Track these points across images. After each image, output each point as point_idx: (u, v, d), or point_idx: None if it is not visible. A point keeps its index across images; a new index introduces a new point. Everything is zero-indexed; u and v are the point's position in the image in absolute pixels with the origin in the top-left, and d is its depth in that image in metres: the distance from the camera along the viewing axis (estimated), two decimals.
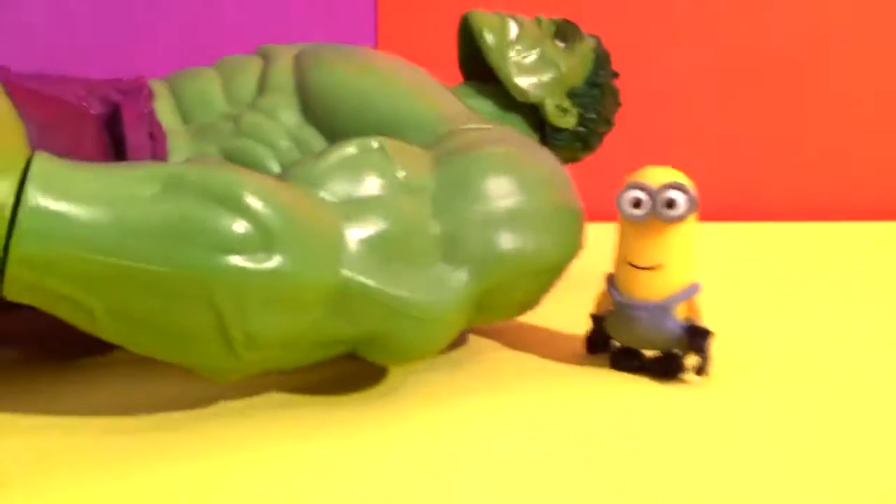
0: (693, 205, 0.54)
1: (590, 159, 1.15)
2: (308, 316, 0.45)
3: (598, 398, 0.52)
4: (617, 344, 0.60)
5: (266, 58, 0.63)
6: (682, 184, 0.54)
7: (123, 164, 0.43)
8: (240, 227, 0.42)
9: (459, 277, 0.50)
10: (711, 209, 1.17)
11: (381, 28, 1.22)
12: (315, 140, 0.57)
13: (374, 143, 0.50)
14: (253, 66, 0.62)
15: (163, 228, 0.41)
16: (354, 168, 0.49)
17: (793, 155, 1.21)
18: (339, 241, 0.46)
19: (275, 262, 0.42)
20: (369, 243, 0.47)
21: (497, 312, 0.54)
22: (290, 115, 0.58)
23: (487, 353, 0.60)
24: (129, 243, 0.40)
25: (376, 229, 0.47)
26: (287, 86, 0.59)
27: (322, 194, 0.47)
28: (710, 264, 0.85)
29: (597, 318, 0.60)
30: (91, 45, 1.21)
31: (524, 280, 0.52)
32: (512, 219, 0.51)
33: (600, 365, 0.58)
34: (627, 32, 1.19)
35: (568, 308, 0.71)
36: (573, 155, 0.74)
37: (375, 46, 1.24)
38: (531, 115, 0.71)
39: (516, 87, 0.69)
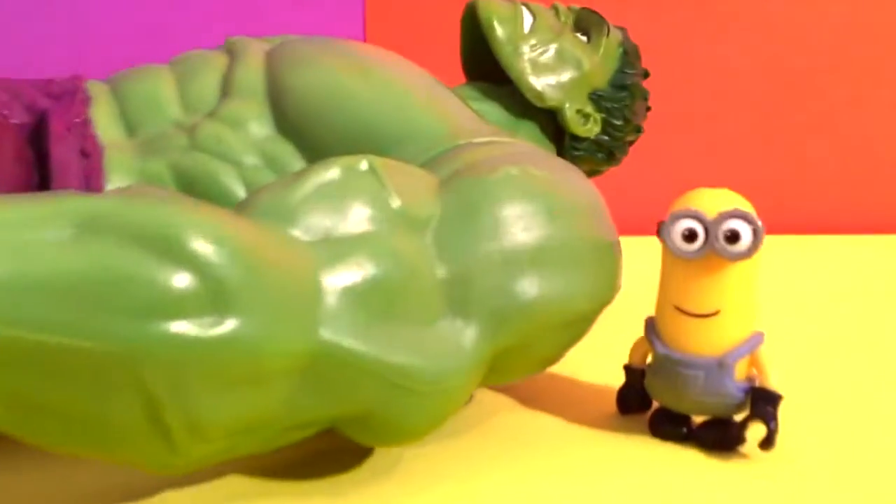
0: (760, 237, 0.43)
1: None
2: (273, 395, 0.34)
3: (634, 473, 0.42)
4: (657, 403, 0.49)
5: (233, 54, 0.52)
6: (745, 212, 0.43)
7: (29, 196, 0.32)
8: (181, 281, 0.31)
9: (471, 335, 0.39)
10: None
11: (369, 18, 1.11)
12: (290, 157, 0.46)
13: (363, 164, 0.39)
14: (216, 64, 0.51)
15: (74, 286, 0.30)
16: (337, 196, 0.38)
17: (826, 166, 1.11)
18: (316, 293, 0.35)
19: (229, 327, 0.32)
20: (356, 295, 0.36)
21: (514, 373, 0.44)
22: (259, 126, 0.47)
23: (501, 415, 0.50)
24: (27, 307, 0.29)
25: (365, 276, 0.36)
26: (257, 89, 0.48)
27: (294, 232, 0.36)
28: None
29: (633, 372, 0.49)
30: (22, 37, 1.06)
31: (550, 334, 0.42)
32: (536, 258, 0.40)
33: (637, 430, 0.48)
34: (658, 23, 1.08)
35: (597, 353, 0.60)
36: (595, 167, 0.64)
37: (364, 39, 1.12)
38: (547, 121, 0.61)
39: (531, 88, 0.58)
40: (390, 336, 0.37)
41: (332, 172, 0.38)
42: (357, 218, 0.38)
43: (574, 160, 0.62)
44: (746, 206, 0.44)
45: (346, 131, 0.46)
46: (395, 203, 0.39)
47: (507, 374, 0.43)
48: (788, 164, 1.11)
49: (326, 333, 0.35)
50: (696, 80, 1.09)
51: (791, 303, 0.70)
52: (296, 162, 0.46)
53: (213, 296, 0.31)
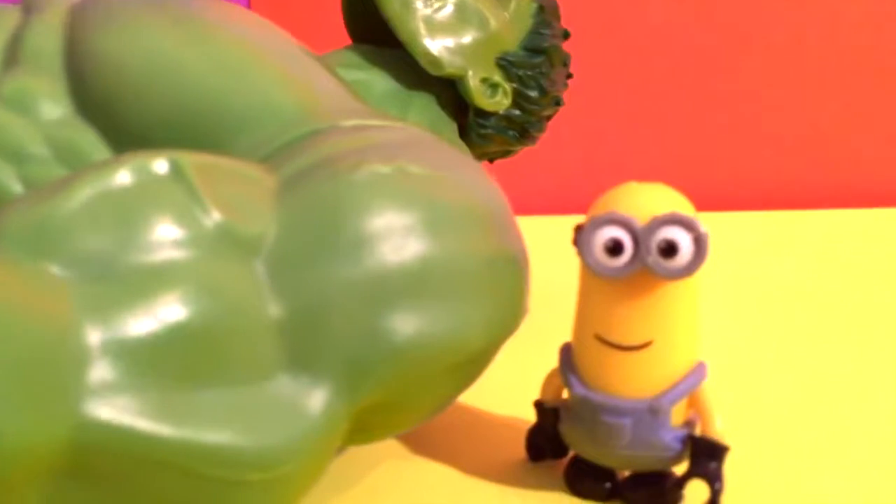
0: (703, 249, 0.33)
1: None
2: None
3: None
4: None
5: (29, 10, 0.40)
6: (685, 216, 0.33)
7: None
8: None
9: (320, 395, 0.29)
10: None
11: None
12: (90, 148, 0.35)
13: (162, 164, 0.28)
14: (3, 24, 0.39)
15: None
16: (124, 212, 0.27)
17: (775, 140, 1.03)
18: (78, 356, 0.24)
19: None
20: (146, 352, 0.25)
21: (388, 430, 0.33)
22: (51, 106, 0.35)
23: (386, 465, 0.40)
24: None
25: (161, 324, 0.26)
26: (51, 56, 0.37)
27: (51, 268, 0.25)
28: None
29: (545, 411, 0.39)
30: None
31: (433, 381, 0.32)
32: (412, 286, 0.30)
33: (552, 482, 0.38)
34: None
35: (506, 381, 0.50)
36: (507, 147, 0.54)
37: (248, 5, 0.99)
38: (446, 93, 0.50)
39: (425, 52, 0.48)
40: (198, 407, 0.26)
41: (117, 177, 0.27)
42: (153, 241, 0.27)
43: (480, 139, 0.52)
44: (686, 208, 0.34)
45: (170, 113, 0.34)
46: (212, 218, 0.28)
47: (378, 432, 0.33)
48: (731, 136, 1.03)
49: (94, 411, 0.24)
50: (625, 41, 0.99)
51: (733, 298, 0.61)
52: (97, 153, 0.34)
53: None
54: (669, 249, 0.33)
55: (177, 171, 0.28)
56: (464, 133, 0.52)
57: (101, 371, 0.25)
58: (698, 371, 0.36)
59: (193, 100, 0.34)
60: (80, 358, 0.24)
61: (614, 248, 0.34)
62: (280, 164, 0.32)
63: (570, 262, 0.71)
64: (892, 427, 0.43)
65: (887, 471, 0.39)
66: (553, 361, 0.50)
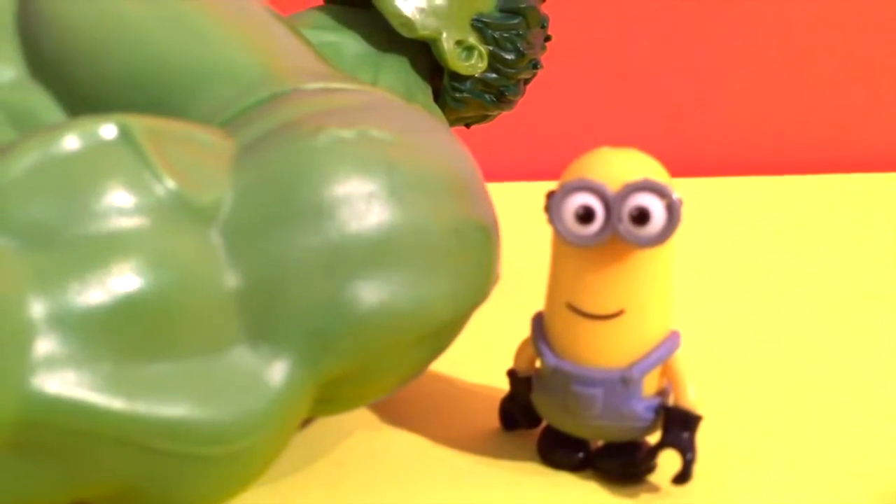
0: (676, 216, 0.33)
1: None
2: None
3: None
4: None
5: None
6: (657, 183, 0.33)
7: None
8: None
9: (281, 366, 0.28)
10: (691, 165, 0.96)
11: None
12: (43, 112, 0.33)
13: (111, 128, 0.27)
14: None
15: None
16: (72, 178, 0.26)
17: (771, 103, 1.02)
18: (23, 329, 0.23)
19: None
20: (95, 325, 0.25)
21: (354, 401, 0.33)
22: (2, 68, 0.34)
23: (356, 436, 0.39)
24: None
25: (111, 295, 0.25)
26: (1, 15, 0.35)
27: None
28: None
29: (517, 380, 0.39)
30: None
31: (399, 353, 0.31)
32: (375, 255, 0.29)
33: (525, 452, 0.38)
34: None
35: (479, 349, 0.50)
36: (483, 112, 0.52)
37: None
38: (420, 56, 0.49)
39: (397, 13, 0.46)
40: (152, 380, 0.25)
41: (62, 142, 0.26)
42: (101, 210, 0.26)
43: (456, 104, 0.50)
44: (659, 174, 0.34)
45: (125, 75, 0.33)
46: (164, 185, 0.27)
47: (345, 402, 0.33)
48: (707, 100, 1.02)
49: (42, 385, 0.23)
50: (602, 3, 0.97)
51: (707, 266, 0.61)
52: (51, 117, 0.33)
53: None
54: (641, 217, 0.32)
55: (126, 135, 0.27)
56: (438, 97, 0.51)
57: (48, 344, 0.24)
58: (671, 340, 0.35)
59: (149, 61, 0.33)
60: (25, 331, 0.24)
61: (585, 216, 0.33)
62: (238, 129, 0.31)
63: (545, 230, 0.70)
64: (868, 394, 0.43)
65: (863, 439, 0.39)
66: (528, 330, 0.50)
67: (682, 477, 0.34)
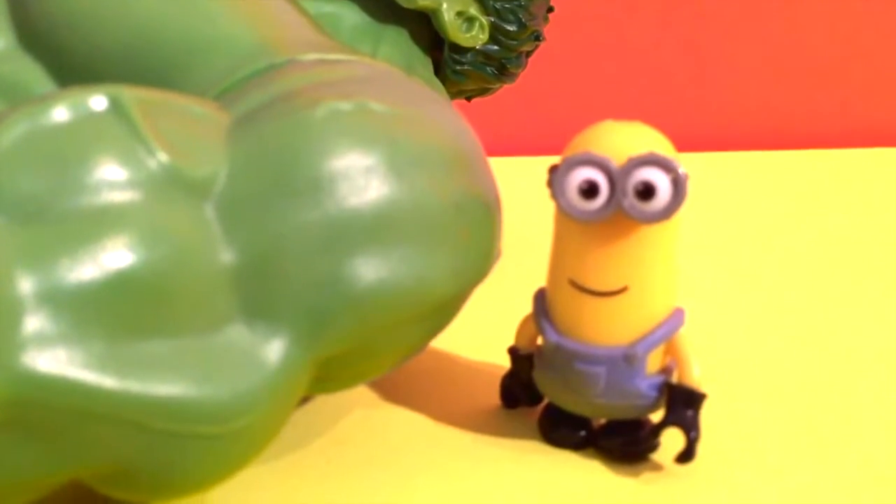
0: (682, 191, 0.32)
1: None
2: None
3: (519, 489, 0.32)
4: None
5: None
6: (663, 157, 0.32)
7: None
8: None
9: (279, 344, 0.27)
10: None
11: None
12: (34, 83, 0.33)
13: (102, 101, 0.26)
14: None
15: None
16: (61, 151, 0.25)
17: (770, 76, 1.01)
18: (13, 306, 0.23)
19: None
20: (88, 301, 0.24)
21: (353, 379, 0.32)
22: None
23: (352, 413, 0.39)
24: None
25: (103, 271, 0.24)
26: None
27: None
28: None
29: (518, 357, 0.38)
30: None
31: (399, 330, 0.30)
32: (375, 230, 0.28)
33: (526, 430, 0.38)
34: None
35: (480, 326, 0.49)
36: (485, 85, 0.52)
37: None
38: (420, 27, 0.48)
39: None
40: (146, 358, 0.25)
41: (51, 113, 0.25)
42: (92, 183, 0.25)
43: (457, 76, 0.50)
44: (665, 148, 0.33)
45: (117, 46, 0.32)
46: (156, 158, 0.26)
47: (344, 380, 0.32)
48: (715, 72, 1.01)
49: (32, 363, 0.23)
50: None
51: (713, 242, 0.60)
52: (42, 87, 0.32)
53: None
54: (646, 191, 0.32)
55: (117, 107, 0.26)
56: (439, 70, 0.50)
57: (38, 321, 0.23)
58: (676, 318, 0.34)
59: (142, 31, 0.32)
60: (14, 308, 0.23)
61: (589, 190, 0.32)
62: (234, 101, 0.30)
63: (547, 205, 0.69)
64: (873, 372, 0.42)
65: (868, 418, 0.39)
66: (529, 306, 0.49)
67: (686, 455, 0.34)
